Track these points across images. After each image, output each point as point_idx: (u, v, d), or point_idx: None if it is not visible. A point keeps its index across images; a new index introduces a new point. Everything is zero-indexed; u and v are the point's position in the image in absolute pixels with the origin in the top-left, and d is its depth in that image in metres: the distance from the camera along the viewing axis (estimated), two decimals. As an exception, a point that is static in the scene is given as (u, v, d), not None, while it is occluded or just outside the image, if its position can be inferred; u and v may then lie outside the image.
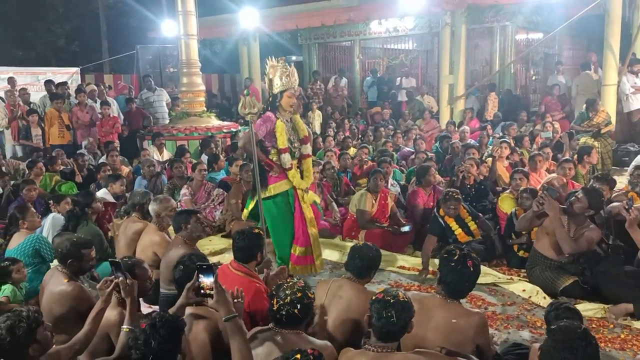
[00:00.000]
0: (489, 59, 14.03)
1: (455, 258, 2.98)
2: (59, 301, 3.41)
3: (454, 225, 5.28)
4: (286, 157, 4.74)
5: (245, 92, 4.68)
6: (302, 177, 4.91)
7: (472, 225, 5.33)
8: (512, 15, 12.64)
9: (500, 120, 10.94)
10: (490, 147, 7.95)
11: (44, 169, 7.64)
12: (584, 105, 9.24)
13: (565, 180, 6.13)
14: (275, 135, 4.71)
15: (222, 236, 6.54)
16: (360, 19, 13.72)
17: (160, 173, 8.05)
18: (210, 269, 2.69)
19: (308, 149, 5.01)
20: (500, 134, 9.51)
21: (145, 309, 3.91)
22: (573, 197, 4.60)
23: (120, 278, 2.95)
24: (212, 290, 2.64)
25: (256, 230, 3.63)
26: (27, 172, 8.26)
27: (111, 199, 6.34)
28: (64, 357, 2.88)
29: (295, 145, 4.89)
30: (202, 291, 2.69)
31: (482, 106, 12.66)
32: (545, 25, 12.66)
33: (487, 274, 4.89)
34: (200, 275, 2.70)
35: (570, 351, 2.20)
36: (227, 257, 5.64)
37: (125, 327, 2.88)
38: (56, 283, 3.51)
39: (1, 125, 9.80)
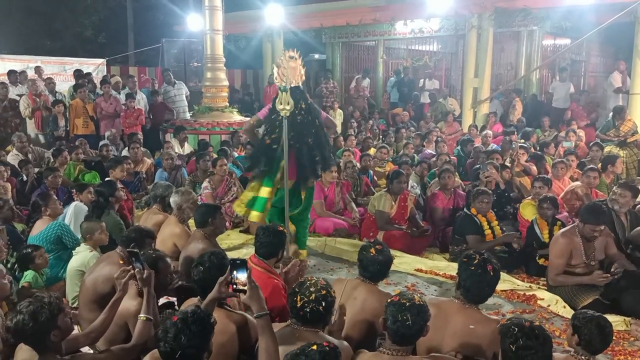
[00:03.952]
0: (514, 64, 13.88)
1: (475, 262, 2.96)
2: (107, 280, 3.50)
3: (485, 224, 5.26)
4: None
5: (281, 88, 4.68)
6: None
7: (498, 230, 5.29)
8: (540, 20, 12.47)
9: (524, 126, 10.82)
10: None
11: (68, 157, 7.75)
12: (610, 114, 9.10)
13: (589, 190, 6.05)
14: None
15: (240, 231, 6.57)
16: (386, 19, 13.66)
17: (181, 166, 8.13)
18: (243, 265, 2.69)
19: None
20: (522, 141, 9.42)
21: (162, 299, 3.94)
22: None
23: (138, 268, 2.98)
24: (245, 286, 2.65)
25: (280, 228, 3.65)
26: (51, 160, 8.41)
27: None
28: (82, 344, 2.93)
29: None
30: (235, 287, 2.69)
31: (505, 111, 12.53)
32: (574, 31, 12.49)
33: (506, 281, 4.83)
34: (233, 270, 2.70)
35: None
36: (245, 252, 5.68)
37: (142, 315, 2.91)
38: (110, 262, 3.65)
39: (24, 114, 9.96)
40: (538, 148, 8.45)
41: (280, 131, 4.78)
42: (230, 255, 4.49)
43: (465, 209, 5.49)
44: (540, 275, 5.11)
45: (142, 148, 8.83)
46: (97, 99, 10.31)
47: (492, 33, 11.80)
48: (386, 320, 2.58)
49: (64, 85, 12.15)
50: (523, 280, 5.05)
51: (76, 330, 3.26)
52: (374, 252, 3.29)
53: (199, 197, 6.53)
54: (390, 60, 16.50)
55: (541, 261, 5.21)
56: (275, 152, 4.87)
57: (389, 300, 2.63)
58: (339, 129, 12.41)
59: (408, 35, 14.65)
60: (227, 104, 10.75)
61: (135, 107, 10.37)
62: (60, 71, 14.01)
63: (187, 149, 9.56)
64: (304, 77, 4.86)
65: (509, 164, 6.88)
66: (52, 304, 2.54)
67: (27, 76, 11.00)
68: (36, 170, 7.40)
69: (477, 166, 7.29)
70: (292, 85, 4.69)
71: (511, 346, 2.43)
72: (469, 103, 12.12)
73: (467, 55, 12.39)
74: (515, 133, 9.73)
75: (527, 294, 4.71)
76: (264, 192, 4.90)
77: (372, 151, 9.02)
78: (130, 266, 3.03)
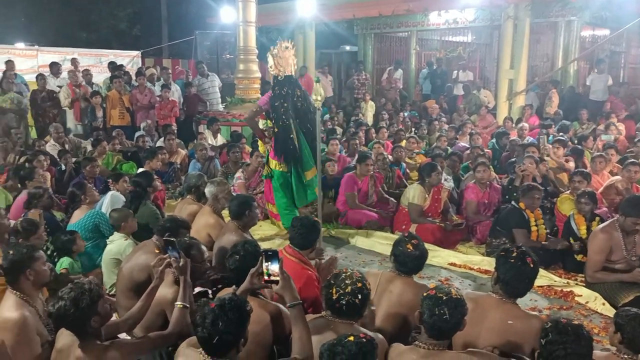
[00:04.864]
0: (551, 55, 13.55)
1: (514, 255, 2.91)
2: (143, 269, 3.56)
3: (532, 220, 5.16)
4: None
5: (315, 79, 4.81)
6: None
7: (542, 229, 5.19)
8: (579, 10, 12.12)
9: (561, 118, 10.57)
10: (549, 145, 7.70)
11: (107, 147, 7.91)
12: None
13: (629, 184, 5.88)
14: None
15: (272, 222, 6.59)
16: (419, 9, 13.46)
17: (214, 157, 8.20)
18: (276, 256, 2.69)
19: None
20: (560, 133, 9.21)
21: (196, 289, 3.99)
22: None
23: (174, 257, 3.01)
24: (277, 276, 2.66)
25: (315, 219, 3.65)
26: (88, 150, 8.59)
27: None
28: (120, 330, 2.99)
29: None
30: (268, 277, 2.70)
31: (541, 103, 12.25)
32: (613, 21, 12.13)
33: (543, 276, 4.73)
34: (265, 261, 2.71)
35: None
36: (277, 243, 5.71)
37: (178, 303, 2.94)
38: (146, 251, 3.72)
39: (64, 105, 10.18)
40: (576, 141, 8.24)
41: (287, 118, 5.06)
42: (262, 245, 4.54)
43: (513, 202, 5.36)
44: (578, 271, 4.99)
45: (176, 139, 8.94)
46: (133, 91, 10.47)
47: (528, 23, 11.52)
48: (422, 314, 2.54)
49: (100, 77, 12.37)
50: (560, 276, 4.95)
51: (114, 317, 3.33)
52: (410, 247, 3.24)
53: (232, 188, 6.59)
54: (423, 51, 16.30)
55: (579, 257, 5.09)
56: (292, 139, 5.34)
57: (425, 294, 2.60)
58: (370, 121, 12.36)
59: (442, 26, 14.43)
60: (260, 96, 10.78)
61: (170, 99, 10.50)
62: (96, 63, 14.28)
63: (220, 140, 9.64)
64: (296, 66, 5.34)
65: (546, 158, 6.73)
66: (92, 291, 2.59)
67: (58, 68, 11.18)
68: (74, 160, 7.56)
69: (513, 159, 7.15)
70: (286, 75, 5.04)
71: (541, 340, 2.41)
72: (504, 95, 11.87)
73: (502, 46, 12.12)
74: (553, 126, 9.52)
75: (564, 290, 4.61)
76: (311, 173, 5.51)
77: (404, 143, 8.94)
78: (167, 255, 3.06)
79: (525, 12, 11.37)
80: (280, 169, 5.59)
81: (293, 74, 5.37)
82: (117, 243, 4.39)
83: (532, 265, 2.89)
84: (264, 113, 5.65)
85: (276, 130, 5.44)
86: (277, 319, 2.89)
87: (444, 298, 2.52)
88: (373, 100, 13.49)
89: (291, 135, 5.37)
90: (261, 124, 5.96)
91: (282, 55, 5.23)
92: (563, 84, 12.58)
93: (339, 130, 10.65)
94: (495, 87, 13.24)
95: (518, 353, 2.80)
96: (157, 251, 3.66)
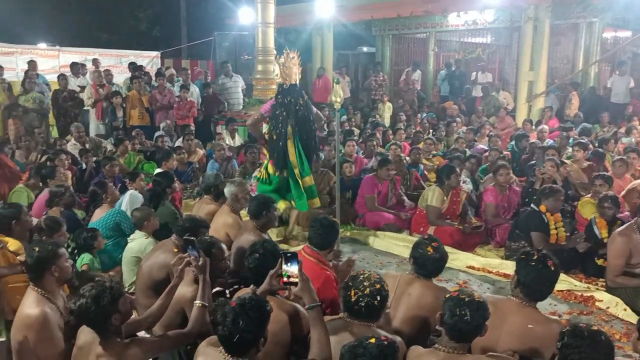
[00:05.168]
0: (572, 57, 13.37)
1: (535, 258, 2.90)
2: (162, 267, 3.60)
3: (552, 224, 5.11)
4: None
5: (334, 80, 4.87)
6: None
7: (562, 232, 5.13)
8: (601, 12, 11.95)
9: (582, 121, 10.43)
10: (570, 148, 7.61)
11: (129, 147, 8.00)
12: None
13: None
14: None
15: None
16: (438, 11, 13.39)
17: (232, 157, 8.25)
18: (295, 257, 2.71)
19: None
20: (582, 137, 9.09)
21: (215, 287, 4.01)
22: None
23: (194, 256, 3.03)
24: (296, 278, 2.67)
25: (334, 219, 3.66)
26: (108, 149, 8.69)
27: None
28: (141, 328, 3.02)
29: None
30: (287, 279, 2.71)
31: (561, 105, 12.11)
32: (636, 23, 11.96)
33: (563, 281, 4.66)
34: (285, 263, 2.72)
35: None
36: (293, 245, 5.71)
37: (197, 302, 2.96)
38: (165, 250, 3.77)
39: (87, 104, 10.31)
40: (597, 144, 8.14)
41: (285, 126, 5.18)
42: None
43: (532, 205, 5.31)
44: (598, 276, 4.92)
45: (194, 139, 9.00)
46: (152, 91, 10.57)
47: (549, 25, 11.40)
48: (443, 316, 2.53)
49: (120, 77, 12.51)
50: (580, 281, 4.88)
51: (133, 315, 3.36)
52: (431, 250, 3.23)
53: (250, 188, 6.61)
54: (442, 52, 16.22)
55: (600, 261, 5.01)
56: (284, 146, 5.49)
57: (447, 296, 2.59)
58: (387, 122, 12.32)
59: (461, 27, 14.35)
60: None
61: (188, 99, 10.58)
62: (117, 63, 14.40)
63: (238, 140, 9.69)
64: (300, 76, 5.52)
65: (566, 161, 6.65)
66: (113, 288, 2.62)
67: (79, 68, 11.30)
68: (94, 159, 7.65)
69: (533, 162, 7.08)
70: (292, 83, 5.40)
71: (557, 344, 2.39)
72: (523, 97, 11.75)
73: (522, 48, 12.02)
74: (574, 129, 9.41)
75: (584, 294, 4.56)
76: (309, 180, 5.61)
77: (421, 145, 8.90)
78: (186, 254, 3.08)
79: (546, 13, 11.25)
80: (277, 175, 5.66)
81: (297, 83, 5.50)
82: (138, 241, 4.44)
83: (553, 269, 2.87)
84: (267, 119, 5.79)
85: (274, 137, 5.57)
86: (295, 319, 2.89)
87: (466, 299, 2.51)
88: (390, 102, 13.44)
89: (280, 143, 5.50)
90: (265, 128, 6.09)
91: (288, 65, 5.35)
92: (583, 86, 12.42)
93: (356, 131, 10.63)
94: (515, 89, 13.12)
95: (538, 358, 2.78)
96: (175, 250, 3.70)
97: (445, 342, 2.54)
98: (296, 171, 5.49)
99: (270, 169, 5.72)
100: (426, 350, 2.63)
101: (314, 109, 5.82)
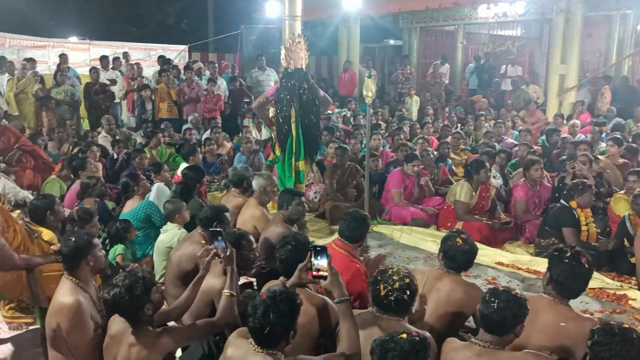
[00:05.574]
0: (604, 50, 13.06)
1: (568, 255, 2.85)
2: (190, 259, 3.65)
3: (582, 220, 5.02)
4: None
5: (367, 75, 4.87)
6: None
7: (592, 228, 5.03)
8: (635, 3, 11.64)
9: (614, 115, 10.19)
10: (603, 143, 7.44)
11: (162, 140, 8.10)
12: None
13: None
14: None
15: (316, 216, 6.60)
16: (467, 3, 13.22)
17: (259, 150, 8.28)
18: (324, 251, 2.71)
19: None
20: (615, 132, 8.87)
21: (242, 279, 4.04)
22: None
23: (221, 247, 3.05)
24: (326, 272, 2.67)
25: (365, 213, 3.66)
26: (137, 142, 8.81)
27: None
28: (170, 318, 3.06)
29: None
30: (316, 273, 2.71)
31: (593, 99, 11.84)
32: (672, 14, 11.61)
33: (595, 278, 4.56)
34: (314, 256, 2.73)
35: None
36: (321, 238, 5.72)
37: (226, 291, 2.98)
38: (193, 242, 3.82)
39: (118, 96, 10.46)
40: (631, 140, 7.94)
41: (288, 109, 5.30)
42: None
43: (562, 201, 5.22)
44: (631, 274, 4.80)
45: (222, 132, 9.07)
46: (181, 84, 10.67)
47: (581, 17, 11.14)
48: (481, 310, 2.52)
49: (149, 70, 12.66)
50: (613, 279, 4.78)
51: (164, 306, 3.41)
52: (460, 241, 3.21)
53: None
54: (470, 45, 16.00)
55: (633, 259, 4.90)
56: (289, 130, 5.75)
57: (488, 286, 2.57)
58: (414, 116, 12.21)
59: (490, 20, 14.14)
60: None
61: (215, 93, 10.65)
62: (145, 57, 14.56)
63: (265, 134, 9.72)
64: (307, 60, 5.68)
65: (600, 157, 6.51)
66: (146, 278, 2.67)
67: (108, 61, 11.46)
68: (124, 151, 7.76)
69: (564, 157, 6.95)
70: (297, 67, 5.63)
71: (588, 341, 2.36)
72: (554, 91, 11.50)
73: (553, 41, 11.76)
74: (607, 124, 9.19)
75: (617, 293, 4.46)
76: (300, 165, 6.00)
77: (449, 139, 8.80)
78: (212, 245, 3.10)
79: (579, 5, 10.97)
80: (282, 156, 6.07)
81: (304, 67, 5.70)
82: (171, 232, 4.49)
83: (586, 266, 2.83)
84: (273, 102, 6.05)
85: (280, 120, 5.88)
86: (324, 312, 2.90)
87: (507, 291, 2.52)
88: (418, 95, 13.32)
89: (286, 127, 5.81)
90: (272, 112, 6.37)
91: (294, 49, 5.52)
92: (616, 80, 12.11)
93: (383, 125, 10.57)
94: (545, 82, 12.87)
95: (569, 356, 2.73)
96: (202, 242, 3.73)
97: (482, 335, 2.53)
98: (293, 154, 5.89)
99: (277, 151, 6.12)
100: (462, 343, 2.62)
101: (322, 92, 6.05)
